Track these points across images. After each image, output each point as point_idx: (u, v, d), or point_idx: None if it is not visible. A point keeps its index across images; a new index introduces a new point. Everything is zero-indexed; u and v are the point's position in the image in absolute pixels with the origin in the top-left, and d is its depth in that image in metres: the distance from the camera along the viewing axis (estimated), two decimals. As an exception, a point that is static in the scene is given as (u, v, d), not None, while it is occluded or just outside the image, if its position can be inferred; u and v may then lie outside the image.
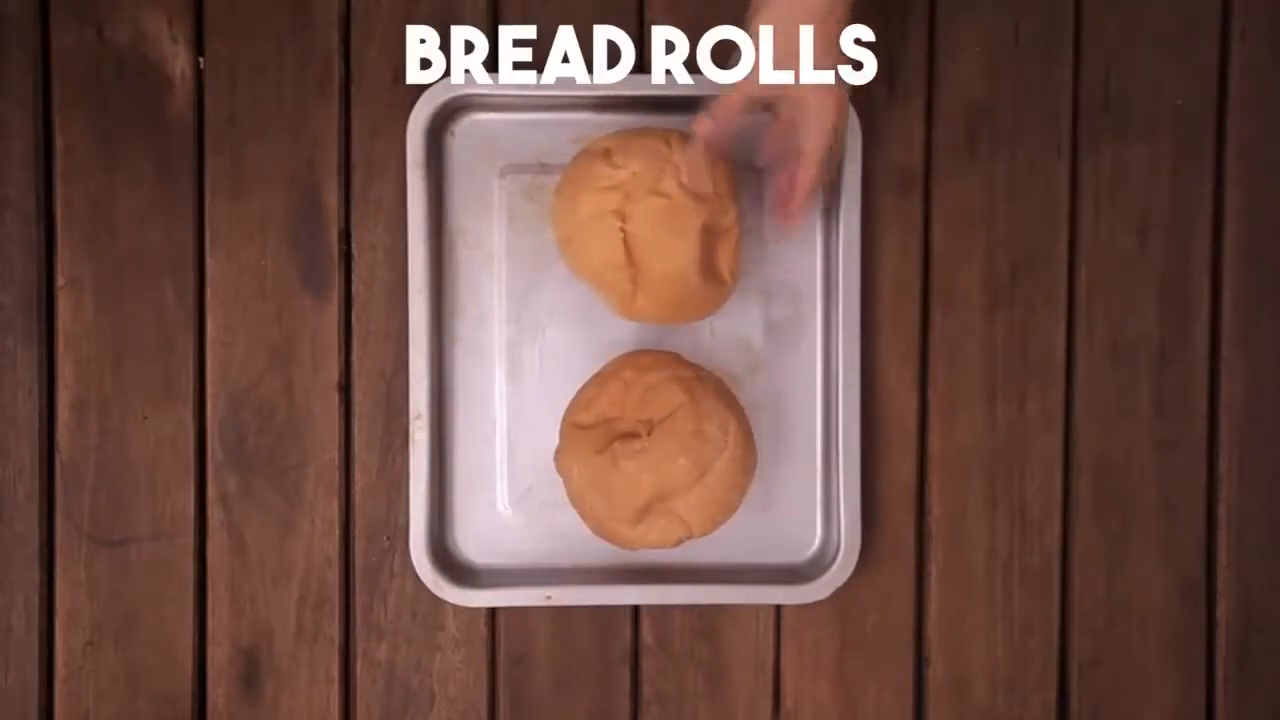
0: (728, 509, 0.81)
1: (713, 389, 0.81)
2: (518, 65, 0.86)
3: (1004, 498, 0.89)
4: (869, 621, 0.89)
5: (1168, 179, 0.89)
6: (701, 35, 0.87)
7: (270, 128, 0.86)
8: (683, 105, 0.85)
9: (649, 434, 0.80)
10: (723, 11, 0.87)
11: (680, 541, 0.81)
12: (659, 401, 0.80)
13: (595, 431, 0.81)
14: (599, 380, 0.83)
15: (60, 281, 0.86)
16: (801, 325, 0.88)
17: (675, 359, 0.83)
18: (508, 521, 0.88)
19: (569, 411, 0.83)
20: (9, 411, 0.86)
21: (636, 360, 0.83)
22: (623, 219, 0.80)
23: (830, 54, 0.77)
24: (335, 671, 0.87)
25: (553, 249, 0.85)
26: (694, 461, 0.79)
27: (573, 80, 0.84)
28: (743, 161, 0.85)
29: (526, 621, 0.88)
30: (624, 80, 0.86)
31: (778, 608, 0.89)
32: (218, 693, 0.87)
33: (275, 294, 0.87)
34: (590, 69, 0.85)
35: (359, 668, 0.88)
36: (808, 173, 0.79)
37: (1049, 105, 0.88)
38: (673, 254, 0.80)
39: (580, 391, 0.83)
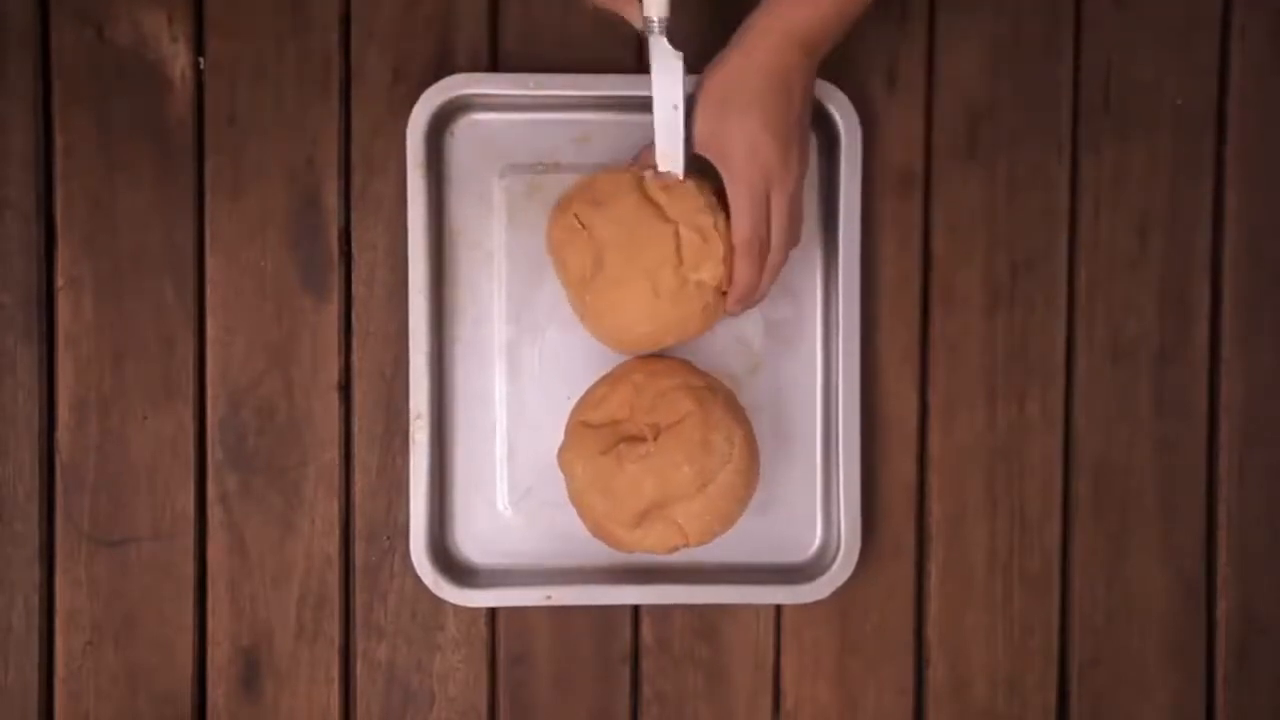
0: (727, 521, 0.81)
1: (722, 400, 0.81)
2: (518, 65, 0.86)
3: (1004, 498, 0.89)
4: (869, 621, 0.89)
5: (1168, 179, 0.89)
6: (701, 34, 0.87)
7: (270, 128, 0.86)
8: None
9: (655, 439, 0.79)
10: (722, 11, 0.87)
11: (676, 549, 0.81)
12: (668, 407, 0.80)
13: (602, 431, 0.81)
14: (610, 381, 0.83)
15: (60, 281, 0.86)
16: (801, 325, 0.88)
17: (687, 367, 0.83)
18: (508, 521, 0.88)
19: (577, 409, 0.83)
20: (9, 411, 0.86)
21: (649, 364, 0.83)
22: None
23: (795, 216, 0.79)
24: (335, 671, 0.87)
25: (553, 249, 0.85)
26: (698, 471, 0.79)
27: (573, 80, 0.85)
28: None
29: (526, 621, 0.88)
30: (624, 80, 0.86)
31: (778, 608, 0.89)
32: (218, 693, 0.87)
33: (275, 294, 0.87)
34: (590, 69, 0.85)
35: (359, 668, 0.88)
36: (774, 266, 0.80)
37: (1049, 105, 0.88)
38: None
39: (590, 390, 0.83)
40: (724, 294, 0.81)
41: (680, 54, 0.78)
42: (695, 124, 0.78)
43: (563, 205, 0.82)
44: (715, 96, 0.77)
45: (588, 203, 0.80)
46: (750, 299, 0.80)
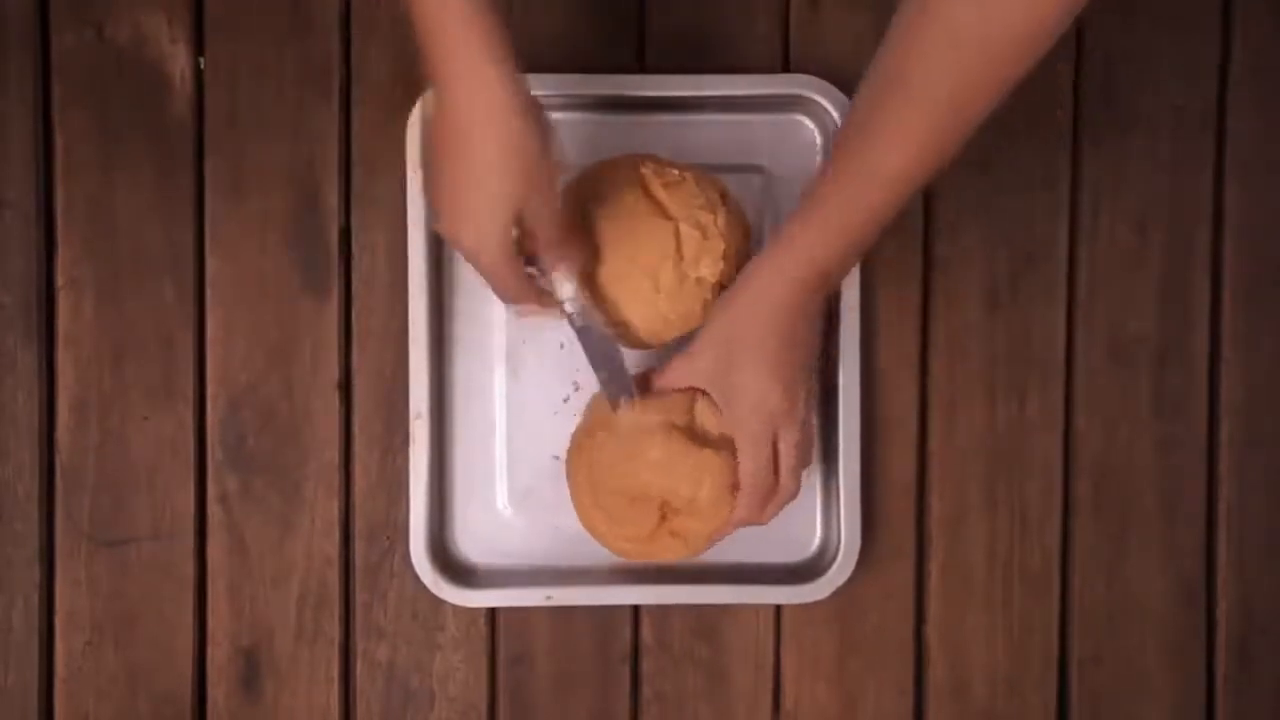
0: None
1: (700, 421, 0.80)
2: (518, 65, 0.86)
3: (1004, 498, 0.89)
4: (869, 621, 0.89)
5: (1168, 177, 0.89)
6: (701, 34, 0.87)
7: (270, 128, 0.86)
8: (681, 105, 0.86)
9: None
10: (722, 11, 0.87)
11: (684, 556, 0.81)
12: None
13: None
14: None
15: (60, 281, 0.86)
16: (801, 325, 0.88)
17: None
18: (508, 521, 0.88)
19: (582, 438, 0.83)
20: (9, 411, 0.86)
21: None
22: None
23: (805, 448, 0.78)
24: (335, 671, 0.87)
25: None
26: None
27: (573, 80, 0.84)
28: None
29: (526, 621, 0.88)
30: (624, 80, 0.86)
31: (778, 608, 0.89)
32: (218, 693, 0.87)
33: (275, 294, 0.87)
34: (590, 69, 0.85)
35: (359, 668, 0.88)
36: (785, 495, 0.79)
37: (1049, 104, 0.88)
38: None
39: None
40: (724, 288, 0.80)
41: (599, 316, 0.78)
42: (700, 361, 0.77)
43: (563, 200, 0.82)
44: (721, 338, 0.76)
45: (588, 198, 0.80)
46: (752, 523, 0.80)
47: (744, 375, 0.75)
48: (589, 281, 0.80)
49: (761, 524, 0.80)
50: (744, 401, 0.76)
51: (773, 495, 0.78)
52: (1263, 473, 0.90)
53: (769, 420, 0.76)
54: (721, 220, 0.79)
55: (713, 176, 0.81)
